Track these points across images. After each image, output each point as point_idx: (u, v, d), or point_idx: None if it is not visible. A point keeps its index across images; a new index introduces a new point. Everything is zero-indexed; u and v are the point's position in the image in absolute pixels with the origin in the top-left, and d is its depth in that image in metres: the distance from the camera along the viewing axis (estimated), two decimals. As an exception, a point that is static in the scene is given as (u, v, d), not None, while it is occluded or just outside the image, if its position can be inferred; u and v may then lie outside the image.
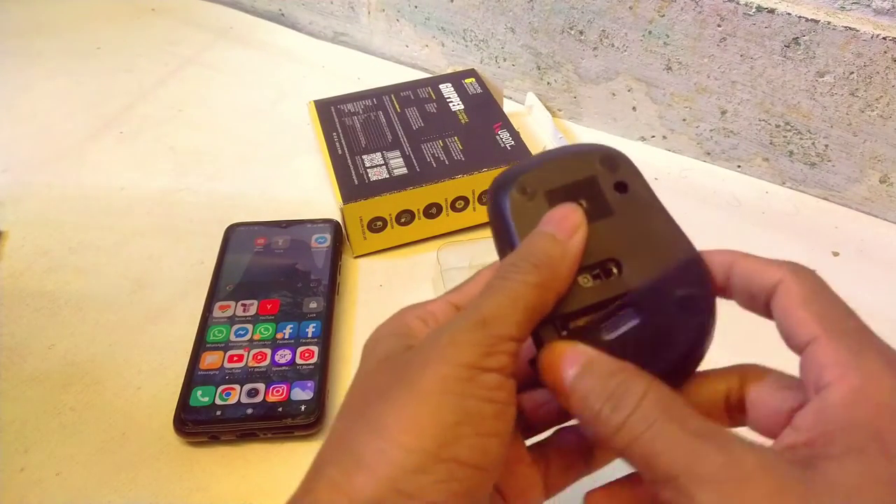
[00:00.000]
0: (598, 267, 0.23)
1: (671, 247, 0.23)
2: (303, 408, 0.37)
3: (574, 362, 0.20)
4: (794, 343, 0.19)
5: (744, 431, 0.19)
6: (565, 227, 0.22)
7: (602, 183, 0.24)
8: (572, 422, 0.26)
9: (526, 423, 0.25)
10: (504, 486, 0.23)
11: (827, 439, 0.17)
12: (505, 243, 0.23)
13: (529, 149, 0.48)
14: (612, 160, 0.25)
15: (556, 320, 0.22)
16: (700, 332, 0.21)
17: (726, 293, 0.22)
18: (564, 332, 0.22)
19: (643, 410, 0.18)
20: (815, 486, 0.16)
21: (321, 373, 0.38)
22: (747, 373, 0.22)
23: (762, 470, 0.16)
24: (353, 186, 0.45)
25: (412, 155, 0.48)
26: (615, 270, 0.23)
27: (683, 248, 0.23)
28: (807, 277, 0.20)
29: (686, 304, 0.22)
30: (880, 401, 0.17)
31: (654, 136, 0.57)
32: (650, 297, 0.22)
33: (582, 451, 0.25)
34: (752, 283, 0.21)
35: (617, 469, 0.24)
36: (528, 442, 0.25)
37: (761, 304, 0.21)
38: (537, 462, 0.24)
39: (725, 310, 0.22)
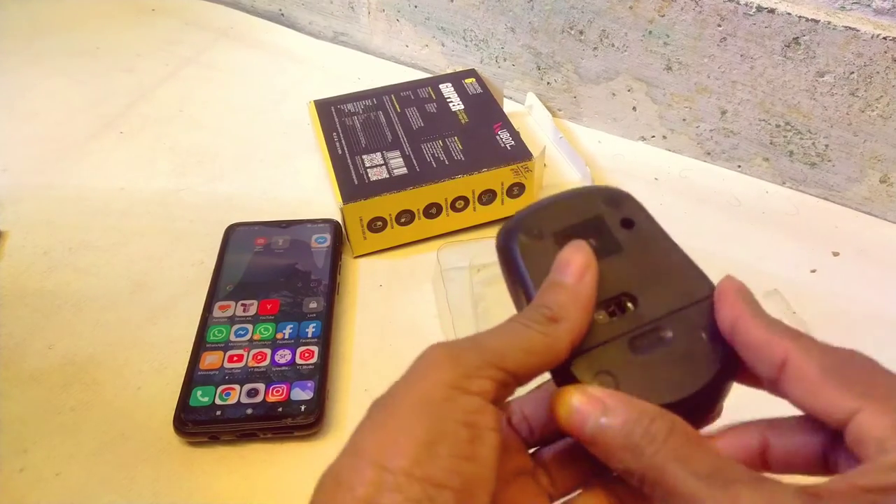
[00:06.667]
0: (612, 303, 0.23)
1: (685, 278, 0.23)
2: (303, 408, 0.37)
3: (591, 413, 0.20)
4: (829, 421, 0.19)
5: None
6: (574, 270, 0.22)
7: (608, 221, 0.24)
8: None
9: (551, 483, 0.25)
10: (501, 499, 0.22)
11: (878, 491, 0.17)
12: (518, 286, 0.24)
13: (529, 149, 0.48)
14: (616, 198, 0.25)
15: (573, 358, 0.22)
16: (723, 362, 0.21)
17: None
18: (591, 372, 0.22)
19: (660, 456, 0.18)
20: None
21: (321, 373, 0.38)
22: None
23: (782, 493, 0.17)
24: (353, 186, 0.45)
25: (412, 155, 0.48)
26: (630, 305, 0.23)
27: (697, 278, 0.23)
28: (810, 349, 0.20)
29: (708, 333, 0.22)
30: None
31: (654, 136, 0.57)
32: (669, 327, 0.22)
33: (588, 455, 0.24)
34: (757, 360, 0.21)
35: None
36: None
37: (767, 381, 0.21)
38: (539, 470, 0.24)
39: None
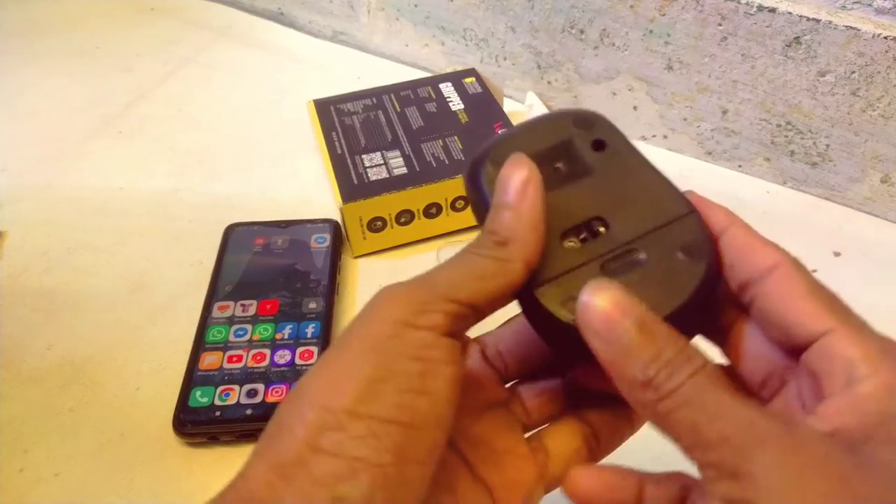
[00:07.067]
0: (583, 228, 0.22)
1: (659, 198, 0.22)
2: (302, 408, 0.36)
3: (629, 316, 0.18)
4: (797, 332, 0.19)
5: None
6: (513, 187, 0.21)
7: (577, 143, 0.23)
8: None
9: (526, 414, 0.25)
10: (490, 478, 0.22)
11: (865, 429, 0.17)
12: (483, 219, 0.23)
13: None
14: (587, 120, 0.24)
15: (541, 286, 0.21)
16: (705, 276, 0.21)
17: None
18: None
19: (698, 380, 0.17)
20: (865, 464, 0.16)
21: (321, 373, 0.38)
22: None
23: (818, 440, 0.16)
24: (352, 186, 0.45)
25: (412, 154, 0.48)
26: (602, 229, 0.22)
27: (672, 197, 0.22)
28: (803, 267, 0.20)
29: (685, 250, 0.21)
30: None
31: (654, 136, 0.56)
32: (643, 249, 0.21)
33: (587, 439, 0.24)
34: (742, 258, 0.21)
35: (620, 456, 0.24)
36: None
37: (739, 282, 0.21)
38: (536, 453, 0.24)
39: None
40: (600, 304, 0.18)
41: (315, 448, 0.17)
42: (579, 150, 0.23)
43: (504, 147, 0.23)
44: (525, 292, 0.21)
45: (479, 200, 0.23)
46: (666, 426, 0.18)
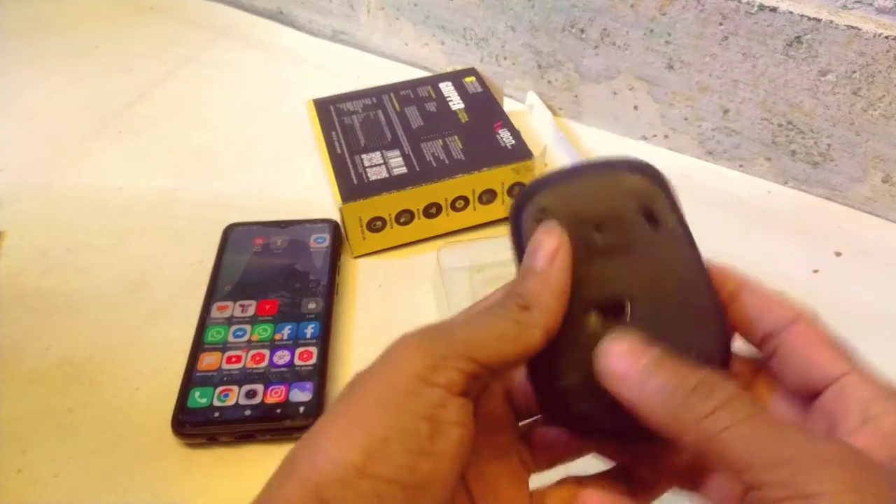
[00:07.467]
0: (610, 305, 0.22)
1: (689, 294, 0.22)
2: (301, 409, 0.36)
3: (644, 354, 0.19)
4: (815, 376, 0.20)
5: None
6: (543, 255, 0.21)
7: (629, 214, 0.23)
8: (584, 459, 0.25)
9: (533, 461, 0.25)
10: (480, 474, 0.23)
11: (893, 461, 0.18)
12: (518, 264, 0.23)
13: (530, 148, 0.47)
14: (646, 188, 0.23)
15: (551, 355, 0.21)
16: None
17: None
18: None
19: (738, 403, 0.18)
20: None
21: (320, 374, 0.38)
22: None
23: (875, 462, 0.17)
24: (352, 186, 0.45)
25: (412, 154, 0.47)
26: (628, 310, 0.22)
27: (701, 296, 0.22)
28: (818, 318, 0.21)
29: (700, 358, 0.20)
30: None
31: (655, 136, 0.56)
32: (660, 343, 0.21)
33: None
34: (763, 316, 0.22)
35: None
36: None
37: (763, 334, 0.22)
38: (522, 446, 0.24)
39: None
40: (617, 349, 0.20)
41: (323, 501, 0.17)
42: (629, 222, 0.23)
43: (552, 196, 0.23)
44: (534, 360, 0.21)
45: (516, 243, 0.23)
46: (714, 447, 0.18)
